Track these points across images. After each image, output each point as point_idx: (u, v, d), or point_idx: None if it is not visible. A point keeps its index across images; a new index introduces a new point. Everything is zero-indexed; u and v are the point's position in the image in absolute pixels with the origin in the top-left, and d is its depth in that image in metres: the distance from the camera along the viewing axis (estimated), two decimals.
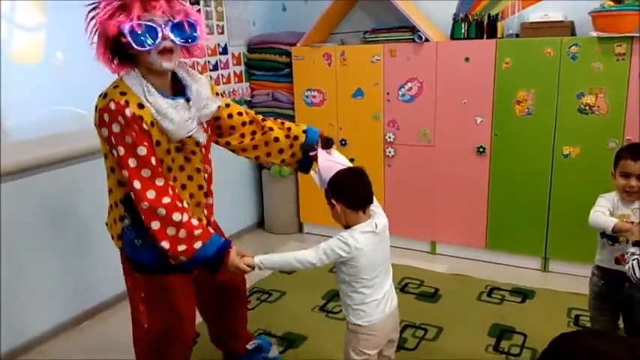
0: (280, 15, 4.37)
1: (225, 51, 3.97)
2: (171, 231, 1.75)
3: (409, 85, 3.59)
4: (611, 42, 3.00)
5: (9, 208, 2.64)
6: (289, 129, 2.20)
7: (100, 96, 1.80)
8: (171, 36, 1.70)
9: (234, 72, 4.10)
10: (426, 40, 3.47)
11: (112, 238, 1.97)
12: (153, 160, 1.75)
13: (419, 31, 3.48)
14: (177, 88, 1.87)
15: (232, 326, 2.43)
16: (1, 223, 2.61)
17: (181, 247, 1.76)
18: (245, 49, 4.19)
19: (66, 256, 2.96)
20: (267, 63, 4.13)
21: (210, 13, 3.79)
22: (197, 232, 1.79)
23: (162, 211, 1.73)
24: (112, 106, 1.70)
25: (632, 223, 2.01)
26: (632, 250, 1.88)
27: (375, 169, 3.83)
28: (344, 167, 1.95)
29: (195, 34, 1.76)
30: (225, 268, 1.84)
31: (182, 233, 1.76)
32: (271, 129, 2.17)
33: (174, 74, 1.87)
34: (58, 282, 2.92)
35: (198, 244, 1.78)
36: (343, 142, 3.91)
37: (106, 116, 1.71)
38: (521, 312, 2.97)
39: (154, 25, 1.66)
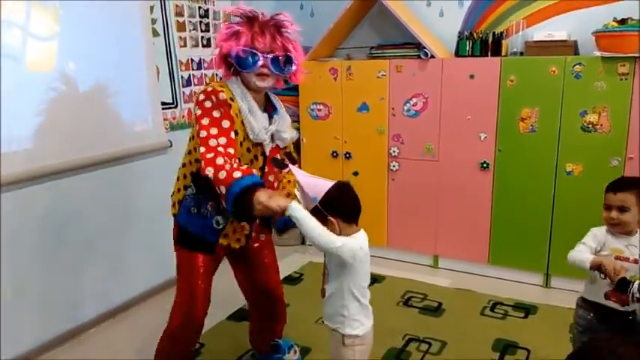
0: None
1: None
2: (219, 161, 1.87)
3: (414, 100, 3.63)
4: (615, 62, 3.06)
5: (15, 216, 2.66)
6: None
7: (204, 86, 2.14)
8: (269, 65, 2.01)
9: None
10: (432, 56, 3.52)
11: (172, 205, 2.21)
12: (232, 135, 1.96)
13: (425, 47, 3.53)
14: (268, 109, 2.15)
15: (269, 334, 2.61)
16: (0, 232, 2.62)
17: (222, 175, 1.84)
18: None
19: (71, 265, 2.97)
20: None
21: (219, 26, 3.83)
22: (238, 171, 1.85)
23: (221, 160, 1.88)
24: (209, 88, 2.00)
25: (628, 259, 2.00)
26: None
27: (379, 182, 3.86)
28: (327, 182, 1.91)
29: (291, 67, 2.08)
30: (252, 204, 1.81)
31: (227, 166, 1.86)
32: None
33: (268, 96, 2.20)
34: (61, 291, 2.92)
35: (237, 174, 1.84)
36: (347, 156, 3.94)
37: (201, 96, 1.99)
38: (524, 327, 2.98)
39: (257, 53, 1.98)
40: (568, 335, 2.87)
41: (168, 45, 3.40)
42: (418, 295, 3.41)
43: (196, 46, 3.63)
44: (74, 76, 2.83)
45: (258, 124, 2.04)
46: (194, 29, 3.60)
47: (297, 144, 4.20)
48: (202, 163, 1.87)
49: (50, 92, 2.72)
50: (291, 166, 2.12)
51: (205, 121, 1.94)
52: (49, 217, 2.81)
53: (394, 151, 3.77)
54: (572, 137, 3.23)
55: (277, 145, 2.18)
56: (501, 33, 3.56)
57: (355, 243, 1.86)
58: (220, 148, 1.88)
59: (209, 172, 1.84)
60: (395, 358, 2.71)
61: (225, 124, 1.95)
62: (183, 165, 2.16)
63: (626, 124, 3.10)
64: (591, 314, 2.13)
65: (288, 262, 4.04)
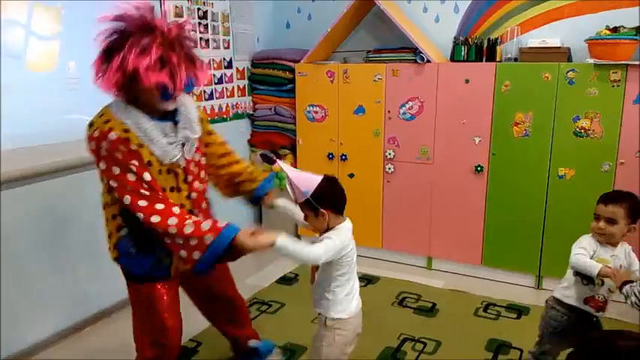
0: (284, 32, 4.47)
1: (230, 65, 4.05)
2: (179, 241, 1.82)
3: (410, 104, 3.68)
4: (607, 69, 3.12)
5: (15, 213, 2.67)
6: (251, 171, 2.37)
7: (88, 125, 1.90)
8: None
9: (238, 86, 4.18)
10: (428, 61, 3.58)
11: (109, 249, 2.05)
12: (146, 176, 1.84)
13: (421, 52, 3.58)
14: (168, 113, 1.94)
15: (238, 336, 2.55)
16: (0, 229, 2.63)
17: (189, 229, 1.81)
18: (249, 63, 4.27)
19: (70, 262, 2.98)
20: (270, 78, 4.21)
21: (217, 28, 3.87)
22: (207, 234, 1.82)
23: (173, 231, 1.81)
24: (97, 134, 1.82)
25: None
26: (627, 286, 1.96)
27: (374, 184, 3.91)
28: (315, 176, 1.99)
29: (197, 85, 1.94)
30: (241, 251, 1.85)
31: (193, 241, 1.82)
32: (237, 162, 2.33)
33: None
34: (59, 289, 2.94)
35: (209, 239, 1.81)
36: (343, 157, 3.98)
37: (92, 144, 1.84)
38: (517, 328, 3.04)
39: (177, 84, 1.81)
40: None
41: None
42: (412, 295, 3.45)
43: (195, 47, 3.64)
44: (75, 76, 2.84)
45: (162, 147, 1.90)
46: (193, 30, 3.63)
47: (293, 145, 4.24)
48: (139, 214, 1.80)
49: (50, 91, 2.74)
50: (279, 161, 2.15)
51: (116, 171, 1.81)
52: (49, 213, 2.83)
53: (390, 154, 3.82)
54: (565, 142, 3.30)
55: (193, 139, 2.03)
56: (496, 39, 3.62)
57: (344, 234, 1.98)
58: (155, 218, 1.80)
59: (161, 224, 1.78)
60: (391, 357, 2.75)
61: (131, 170, 1.82)
62: (106, 205, 2.00)
63: (618, 129, 3.17)
64: (565, 316, 2.23)
65: (282, 263, 4.07)
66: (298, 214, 2.13)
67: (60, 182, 2.87)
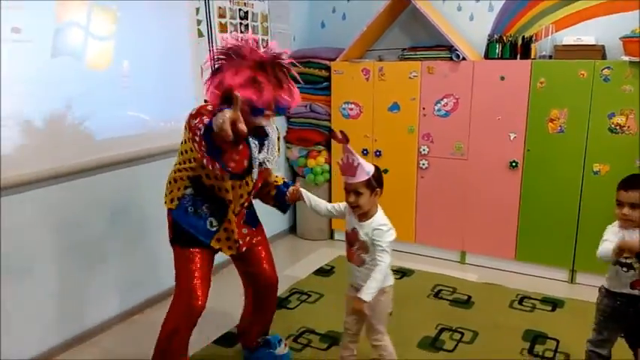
0: (319, 31, 4.58)
1: None
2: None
3: (445, 100, 3.76)
4: None
5: (74, 205, 2.83)
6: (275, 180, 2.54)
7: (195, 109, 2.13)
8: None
9: None
10: (463, 58, 3.65)
11: (170, 200, 2.30)
12: None
13: (456, 50, 3.66)
14: (259, 132, 2.13)
15: (259, 325, 2.67)
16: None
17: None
18: None
19: (124, 252, 3.13)
20: (306, 76, 4.31)
21: (257, 28, 3.99)
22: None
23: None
24: (194, 112, 2.08)
25: None
26: None
27: (408, 179, 4.00)
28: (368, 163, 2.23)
29: (291, 108, 2.16)
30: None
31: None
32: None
33: None
34: (114, 276, 3.09)
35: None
36: (378, 153, 4.07)
37: (191, 119, 2.05)
38: (552, 320, 3.10)
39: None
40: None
41: (211, 46, 3.55)
42: (447, 288, 3.53)
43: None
44: (127, 74, 2.99)
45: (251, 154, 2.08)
46: (234, 30, 3.76)
47: (327, 142, 4.35)
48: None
49: (105, 88, 2.88)
50: (348, 145, 2.22)
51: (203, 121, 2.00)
52: (105, 204, 2.98)
53: (424, 150, 3.90)
54: (600, 138, 3.35)
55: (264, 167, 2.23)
56: (530, 37, 3.68)
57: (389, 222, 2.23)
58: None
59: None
60: (430, 346, 2.84)
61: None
62: (179, 170, 2.25)
63: None
64: (617, 302, 2.29)
65: (319, 255, 4.19)
66: (319, 202, 2.43)
67: (116, 175, 3.01)
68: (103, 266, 3.03)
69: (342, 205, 2.36)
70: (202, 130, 1.86)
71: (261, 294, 2.61)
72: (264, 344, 2.68)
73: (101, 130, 2.89)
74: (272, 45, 2.11)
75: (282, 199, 2.49)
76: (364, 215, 2.22)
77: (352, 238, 2.26)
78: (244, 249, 2.41)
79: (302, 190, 2.45)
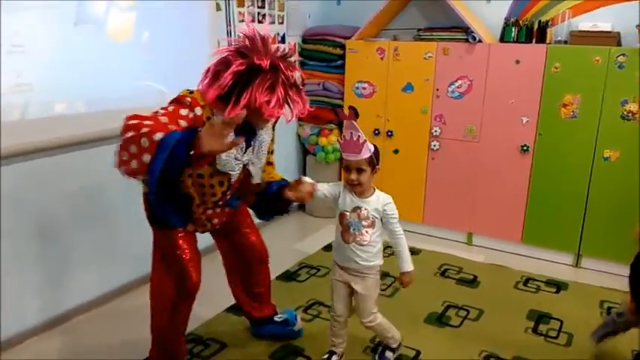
0: (334, 9, 4.58)
1: (283, 40, 4.19)
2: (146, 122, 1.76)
3: (459, 82, 3.78)
4: None
5: (91, 173, 2.88)
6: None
7: (188, 90, 2.00)
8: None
9: None
10: (479, 41, 3.67)
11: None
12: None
13: (473, 32, 3.67)
14: (246, 129, 2.00)
15: (257, 292, 2.64)
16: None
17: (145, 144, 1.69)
18: (300, 39, 4.40)
19: (138, 222, 3.18)
20: (320, 54, 4.33)
21: (273, 3, 4.00)
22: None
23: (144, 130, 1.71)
24: (188, 100, 1.93)
25: None
26: None
27: (419, 160, 4.03)
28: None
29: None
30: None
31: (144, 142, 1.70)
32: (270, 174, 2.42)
33: None
34: (129, 242, 3.15)
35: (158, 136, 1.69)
36: (389, 133, 4.11)
37: (177, 99, 1.95)
38: (556, 301, 3.16)
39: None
40: (599, 310, 3.06)
41: (228, 19, 3.58)
42: (454, 267, 3.59)
43: (252, 21, 3.80)
44: (147, 46, 3.02)
45: (228, 157, 2.03)
46: (251, 5, 3.77)
47: (339, 121, 4.36)
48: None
49: (126, 59, 2.92)
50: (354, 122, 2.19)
51: (170, 108, 1.90)
52: (114, 179, 3.01)
53: (436, 131, 3.93)
54: (612, 124, 3.37)
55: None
56: (547, 21, 3.68)
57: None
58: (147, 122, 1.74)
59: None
60: (436, 321, 2.91)
61: (182, 123, 1.86)
62: None
63: None
64: None
65: (327, 231, 4.24)
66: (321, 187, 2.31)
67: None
68: (119, 232, 3.09)
69: (333, 189, 2.31)
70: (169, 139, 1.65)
71: (253, 266, 2.56)
72: (284, 322, 2.68)
73: (119, 100, 2.92)
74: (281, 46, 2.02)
75: (269, 196, 2.29)
76: (363, 192, 2.25)
77: (356, 219, 2.24)
78: (218, 227, 2.33)
79: (309, 179, 2.28)
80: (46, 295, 2.80)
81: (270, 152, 2.38)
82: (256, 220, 2.54)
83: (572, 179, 3.54)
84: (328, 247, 3.91)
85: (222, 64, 1.90)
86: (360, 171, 2.18)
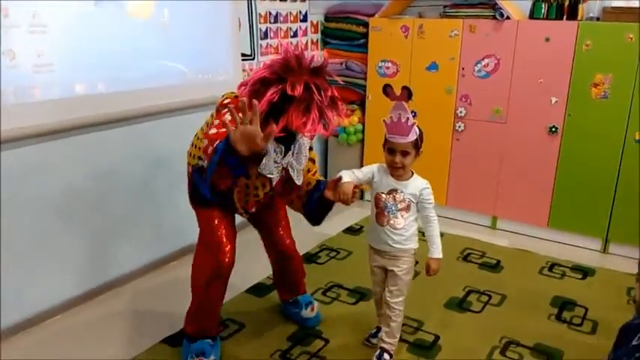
0: None
1: (305, 19, 4.12)
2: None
3: (486, 61, 3.67)
4: None
5: (112, 154, 2.89)
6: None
7: (232, 93, 2.12)
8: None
9: (312, 39, 4.25)
10: (507, 17, 3.54)
11: (189, 155, 2.29)
12: None
13: (501, 8, 3.54)
14: (287, 136, 2.03)
15: (286, 278, 2.72)
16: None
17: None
18: (322, 17, 4.32)
19: (157, 202, 3.20)
20: (343, 32, 4.25)
21: None
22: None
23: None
24: (227, 101, 2.03)
25: None
26: None
27: (443, 141, 3.95)
28: None
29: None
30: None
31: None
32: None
33: None
34: (147, 226, 3.18)
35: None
36: (413, 114, 3.98)
37: (218, 109, 2.08)
38: (582, 287, 3.08)
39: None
40: (625, 297, 2.97)
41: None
42: (477, 252, 3.53)
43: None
44: (167, 23, 2.99)
45: (268, 160, 2.07)
46: None
47: (362, 100, 4.31)
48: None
49: (145, 37, 2.90)
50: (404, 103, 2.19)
51: (215, 122, 2.02)
52: (135, 159, 3.04)
53: (461, 112, 3.84)
54: None
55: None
56: None
57: None
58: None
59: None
60: (457, 306, 2.87)
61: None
62: (199, 139, 2.22)
63: None
64: None
65: (348, 214, 4.19)
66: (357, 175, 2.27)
67: (141, 128, 3.03)
68: (138, 214, 3.11)
69: (366, 172, 2.28)
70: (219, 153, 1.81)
71: (280, 259, 2.66)
72: (293, 303, 2.72)
73: (140, 80, 2.92)
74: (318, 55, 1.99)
75: (313, 206, 2.31)
76: (402, 175, 2.21)
77: (392, 201, 2.22)
78: (254, 209, 2.37)
79: (346, 177, 2.20)
80: (88, 265, 2.91)
81: (312, 161, 2.36)
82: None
83: (602, 162, 3.42)
84: (349, 230, 3.89)
85: (259, 83, 1.91)
86: (405, 154, 2.15)
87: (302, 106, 1.87)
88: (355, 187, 2.15)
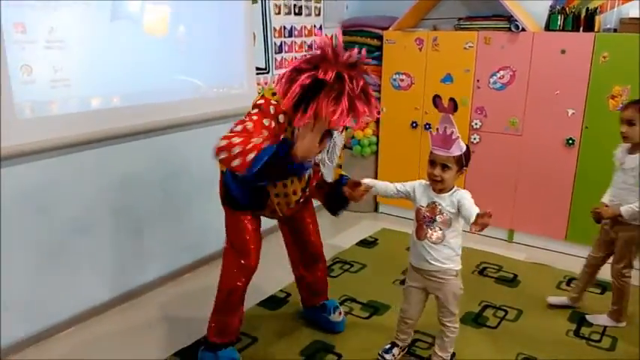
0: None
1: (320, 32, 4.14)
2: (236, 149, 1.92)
3: (501, 73, 3.64)
4: None
5: (127, 167, 2.92)
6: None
7: (271, 91, 2.12)
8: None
9: None
10: (523, 29, 3.52)
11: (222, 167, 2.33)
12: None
13: (516, 20, 3.52)
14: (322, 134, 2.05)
15: (312, 285, 2.73)
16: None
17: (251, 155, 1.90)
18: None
19: (172, 215, 3.22)
20: (357, 45, 4.22)
21: None
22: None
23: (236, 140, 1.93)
24: (272, 108, 2.05)
25: None
26: None
27: None
28: None
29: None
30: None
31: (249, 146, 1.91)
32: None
33: None
34: (164, 238, 3.19)
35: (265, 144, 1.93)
36: (427, 127, 4.00)
37: (261, 106, 2.06)
38: (601, 302, 3.01)
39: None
40: None
41: (264, 12, 3.55)
42: (493, 266, 3.48)
43: (289, 13, 3.77)
44: (183, 40, 3.03)
45: (303, 148, 2.06)
46: None
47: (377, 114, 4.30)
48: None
49: (162, 54, 2.93)
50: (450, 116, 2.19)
51: (254, 117, 2.02)
52: (150, 172, 3.07)
53: (476, 124, 3.81)
54: None
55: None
56: (595, 9, 3.50)
57: None
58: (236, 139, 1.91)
59: (234, 164, 1.89)
60: (472, 322, 2.83)
61: (267, 122, 2.01)
62: None
63: None
64: None
65: (362, 227, 4.20)
66: (386, 186, 2.33)
67: (167, 139, 3.09)
68: (154, 227, 3.13)
69: (407, 185, 2.30)
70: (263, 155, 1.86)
71: (310, 262, 2.68)
72: (321, 308, 2.73)
73: (154, 94, 2.95)
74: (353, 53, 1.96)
75: (334, 199, 2.43)
76: (443, 190, 2.18)
77: (430, 214, 2.20)
78: (289, 214, 2.44)
79: (367, 181, 2.31)
80: (119, 271, 2.98)
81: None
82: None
83: None
84: (363, 243, 3.87)
85: (295, 72, 1.94)
86: (444, 167, 2.12)
87: (333, 95, 1.87)
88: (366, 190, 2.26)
